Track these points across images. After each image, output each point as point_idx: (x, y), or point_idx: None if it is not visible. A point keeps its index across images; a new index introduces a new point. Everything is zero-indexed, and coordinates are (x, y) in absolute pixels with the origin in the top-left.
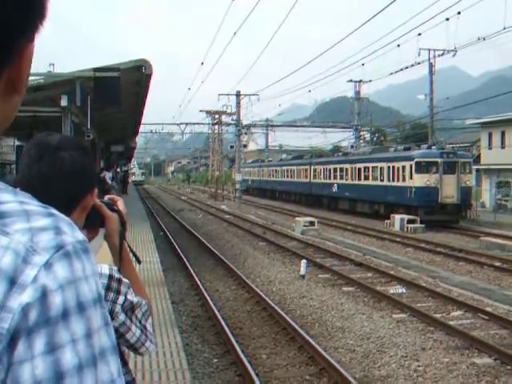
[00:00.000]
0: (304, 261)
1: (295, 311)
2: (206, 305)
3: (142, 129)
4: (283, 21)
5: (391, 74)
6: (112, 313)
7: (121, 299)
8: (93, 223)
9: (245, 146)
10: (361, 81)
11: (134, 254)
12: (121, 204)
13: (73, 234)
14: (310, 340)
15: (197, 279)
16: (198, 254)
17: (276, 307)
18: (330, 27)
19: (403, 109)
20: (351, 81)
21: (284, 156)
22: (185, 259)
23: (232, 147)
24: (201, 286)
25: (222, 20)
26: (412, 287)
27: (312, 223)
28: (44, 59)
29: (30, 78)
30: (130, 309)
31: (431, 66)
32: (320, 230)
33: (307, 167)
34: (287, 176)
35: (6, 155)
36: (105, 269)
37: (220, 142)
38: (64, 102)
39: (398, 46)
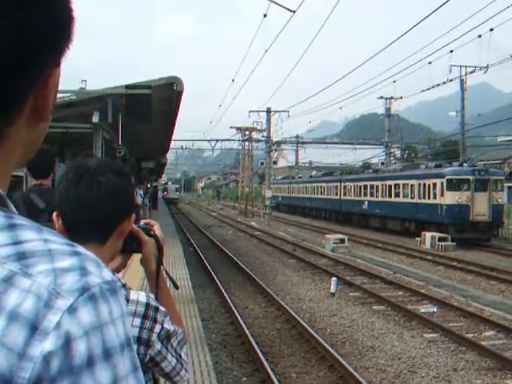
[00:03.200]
0: (334, 278)
1: (325, 329)
2: (236, 322)
3: (172, 145)
4: (314, 37)
5: (422, 91)
6: (148, 341)
7: (157, 328)
8: (129, 248)
9: (275, 162)
10: (391, 97)
11: (171, 279)
12: (157, 229)
13: (100, 274)
14: (341, 359)
15: (226, 296)
16: (228, 270)
17: (306, 325)
18: (361, 42)
19: (434, 125)
20: (382, 97)
21: (314, 173)
22: (214, 276)
23: (262, 164)
24: (230, 303)
25: (254, 37)
26: (443, 306)
27: (342, 240)
28: (76, 75)
29: (63, 94)
30: (166, 337)
31: (462, 82)
32: (350, 247)
33: (337, 184)
34: (317, 193)
35: None
36: (142, 297)
37: (250, 158)
38: (96, 119)
39: (430, 63)
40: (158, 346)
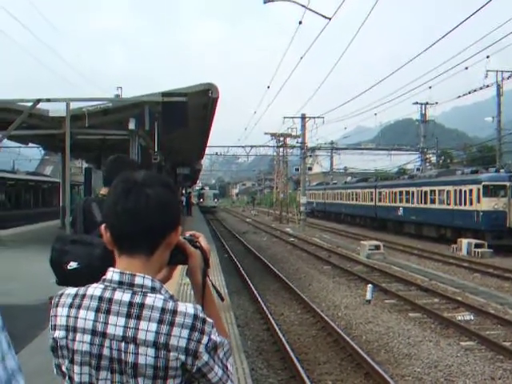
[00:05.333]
0: (370, 285)
1: (361, 337)
2: (271, 329)
3: (207, 151)
4: (350, 43)
5: (459, 96)
6: (196, 352)
7: (205, 339)
8: (176, 260)
9: (310, 168)
10: (427, 103)
11: (217, 291)
12: (203, 240)
13: None
14: (377, 367)
15: (262, 303)
16: (263, 276)
17: (342, 332)
18: (397, 47)
19: (470, 131)
20: (417, 103)
21: (349, 179)
22: (249, 282)
23: (297, 170)
24: (266, 310)
25: (289, 43)
26: (480, 314)
27: (377, 247)
28: (114, 81)
29: (99, 102)
30: (213, 348)
31: (499, 88)
32: (385, 253)
33: (372, 190)
34: (352, 199)
35: (75, 176)
36: (190, 308)
37: (285, 164)
38: (132, 126)
39: (466, 68)
40: (205, 357)
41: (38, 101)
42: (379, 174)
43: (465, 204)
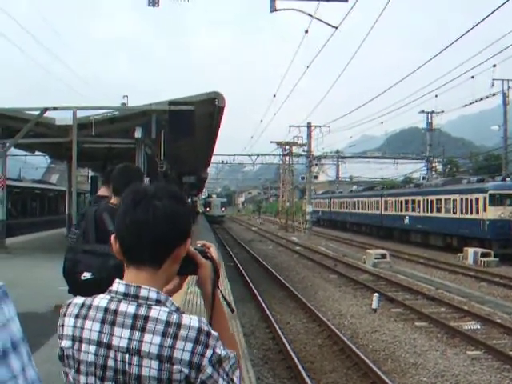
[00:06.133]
0: (376, 294)
1: (367, 346)
2: (277, 338)
3: (213, 159)
4: (355, 53)
5: (465, 105)
6: (199, 366)
7: (209, 353)
8: (186, 270)
9: (315, 177)
10: (433, 112)
11: (227, 302)
12: (214, 251)
13: None
14: (383, 376)
15: (267, 311)
16: (269, 285)
17: (348, 341)
18: (403, 56)
19: (476, 140)
20: (423, 112)
21: (355, 187)
22: (255, 290)
23: (303, 178)
24: (271, 319)
25: (295, 52)
26: (487, 323)
27: (383, 256)
28: (119, 89)
29: (105, 111)
30: (217, 362)
31: (505, 96)
32: (392, 262)
33: (378, 199)
34: (358, 208)
35: (81, 185)
36: (194, 321)
37: (291, 172)
38: (138, 134)
39: (472, 77)
40: (209, 370)
41: (46, 109)
42: (385, 183)
43: (471, 213)
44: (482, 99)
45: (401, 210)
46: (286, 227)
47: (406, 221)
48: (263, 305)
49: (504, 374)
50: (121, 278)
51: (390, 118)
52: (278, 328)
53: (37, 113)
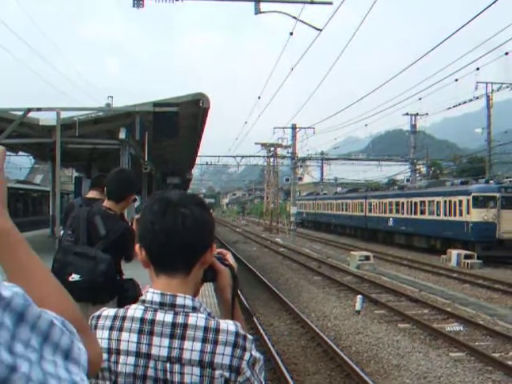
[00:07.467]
0: (360, 296)
1: (350, 347)
2: (261, 339)
3: (198, 161)
4: (340, 55)
5: (449, 108)
6: (238, 369)
7: (247, 355)
8: (205, 277)
9: (300, 178)
10: (417, 114)
11: (247, 309)
12: (230, 258)
13: None
14: (366, 378)
15: (251, 312)
16: (253, 287)
17: (331, 343)
18: (387, 59)
19: (460, 142)
20: (407, 114)
21: (339, 189)
22: (239, 292)
23: (287, 180)
24: (255, 320)
25: (280, 54)
26: (469, 325)
27: (367, 257)
28: (106, 91)
29: (90, 111)
30: (253, 364)
31: (488, 99)
32: (375, 264)
33: (362, 201)
34: (342, 209)
35: (65, 185)
36: (231, 326)
37: (275, 174)
38: (122, 135)
39: (456, 80)
40: (247, 373)
41: (29, 110)
42: (369, 185)
43: (454, 215)
44: (465, 102)
45: (385, 212)
46: (270, 229)
47: (390, 223)
48: (247, 306)
49: (486, 375)
50: (110, 283)
51: (374, 120)
52: (261, 329)
53: (20, 113)
